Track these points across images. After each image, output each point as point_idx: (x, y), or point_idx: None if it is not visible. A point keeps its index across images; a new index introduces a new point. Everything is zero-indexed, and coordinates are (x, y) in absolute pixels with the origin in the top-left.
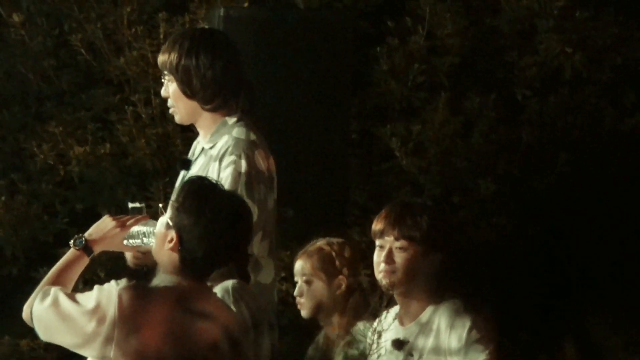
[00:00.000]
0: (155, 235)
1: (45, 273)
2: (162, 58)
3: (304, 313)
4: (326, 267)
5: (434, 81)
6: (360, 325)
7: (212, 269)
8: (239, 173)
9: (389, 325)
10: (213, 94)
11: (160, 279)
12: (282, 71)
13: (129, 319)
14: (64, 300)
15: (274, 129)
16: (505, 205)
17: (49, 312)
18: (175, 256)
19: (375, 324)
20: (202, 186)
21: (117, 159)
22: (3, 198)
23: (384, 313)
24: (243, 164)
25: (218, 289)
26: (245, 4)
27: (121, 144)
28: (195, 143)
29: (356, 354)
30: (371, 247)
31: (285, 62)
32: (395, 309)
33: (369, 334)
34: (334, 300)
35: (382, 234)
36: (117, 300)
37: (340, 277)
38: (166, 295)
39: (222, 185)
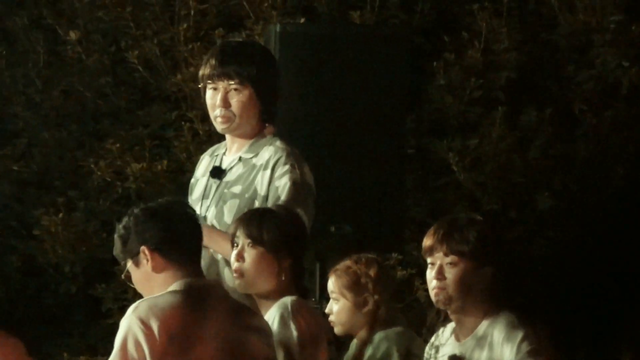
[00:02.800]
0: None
1: (104, 291)
2: (230, 67)
3: (336, 330)
4: (352, 285)
5: (491, 96)
6: (405, 340)
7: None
8: (294, 182)
9: (446, 340)
10: (275, 105)
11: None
12: (337, 87)
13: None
14: None
15: (331, 144)
16: (562, 219)
17: None
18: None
19: (433, 339)
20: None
21: (174, 176)
22: (61, 215)
23: (442, 328)
24: (298, 174)
25: (277, 305)
26: (301, 20)
27: (178, 161)
28: (212, 153)
29: None
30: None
31: (341, 78)
32: (452, 324)
33: (427, 348)
34: (361, 318)
35: (431, 251)
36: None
37: (366, 294)
38: (221, 309)
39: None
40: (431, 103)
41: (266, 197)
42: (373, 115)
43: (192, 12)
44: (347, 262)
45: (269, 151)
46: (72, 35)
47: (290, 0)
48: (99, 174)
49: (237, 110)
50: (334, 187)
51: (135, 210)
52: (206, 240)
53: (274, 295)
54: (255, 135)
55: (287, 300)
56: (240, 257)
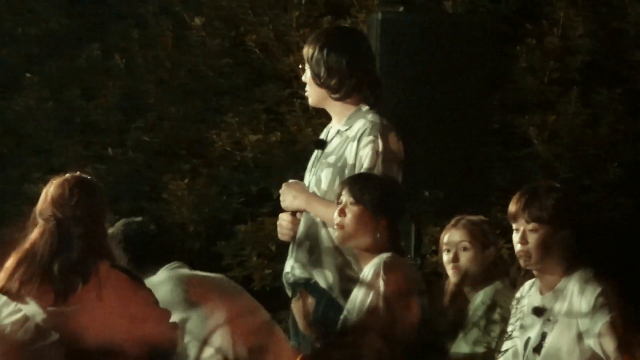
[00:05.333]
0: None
1: (224, 248)
2: (304, 50)
3: (455, 278)
4: (480, 237)
5: (567, 77)
6: (502, 292)
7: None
8: (377, 152)
9: (527, 293)
10: (338, 85)
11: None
12: (432, 68)
13: None
14: None
15: (426, 120)
16: (630, 188)
17: None
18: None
19: (517, 293)
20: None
21: (286, 146)
22: (186, 181)
23: (526, 284)
24: (380, 143)
25: (375, 260)
26: (401, 9)
27: (290, 133)
28: (328, 127)
29: (498, 318)
30: (510, 224)
31: (435, 61)
32: (533, 280)
33: (513, 302)
34: (483, 269)
35: (515, 217)
36: None
37: (492, 248)
38: None
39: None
40: (514, 83)
41: (354, 166)
42: (463, 94)
43: (303, 1)
44: (470, 218)
45: (359, 123)
46: (197, 21)
47: None
48: (220, 144)
49: (308, 87)
50: (428, 157)
51: None
52: (306, 205)
53: (372, 251)
54: (349, 111)
55: (384, 256)
56: (342, 212)
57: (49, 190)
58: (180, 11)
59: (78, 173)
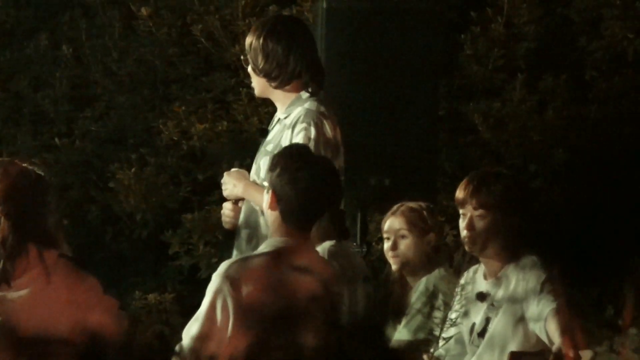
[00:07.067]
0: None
1: (171, 236)
2: (246, 40)
3: (395, 266)
4: (419, 224)
5: (512, 64)
6: (444, 279)
7: (310, 221)
8: (309, 138)
9: (471, 279)
10: (276, 73)
11: (268, 244)
12: (378, 56)
13: (239, 290)
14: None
15: (373, 107)
16: (575, 173)
17: None
18: (277, 215)
19: (462, 280)
20: (290, 149)
21: (233, 135)
22: (134, 170)
23: (470, 269)
24: (312, 130)
25: (318, 250)
26: None
27: (237, 122)
28: (275, 116)
29: (440, 305)
30: (457, 211)
31: (382, 48)
32: (478, 266)
33: (457, 289)
34: (423, 255)
35: (463, 203)
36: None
37: (431, 234)
38: (266, 258)
39: (310, 149)
40: (460, 70)
41: None
42: (410, 81)
43: None
44: (410, 204)
45: (296, 111)
46: (144, 11)
47: None
48: (167, 133)
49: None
50: (375, 144)
51: None
52: (244, 193)
53: (315, 240)
54: (290, 99)
55: (327, 244)
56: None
57: None
58: (127, 1)
59: (9, 159)
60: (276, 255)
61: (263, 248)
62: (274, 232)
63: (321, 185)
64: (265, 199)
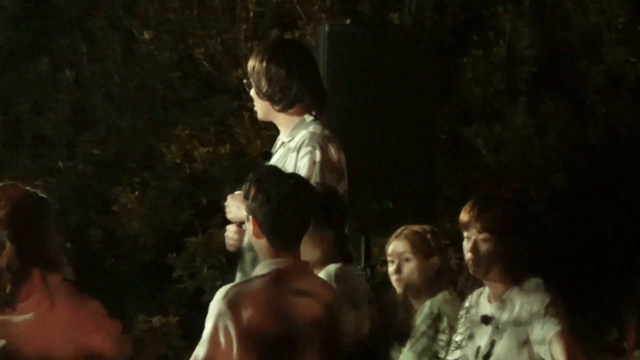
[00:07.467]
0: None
1: (174, 259)
2: (248, 64)
3: (399, 289)
4: (423, 247)
5: (513, 88)
6: (449, 302)
7: (295, 236)
8: (314, 162)
9: (476, 302)
10: (279, 97)
11: (263, 266)
12: (379, 80)
13: (240, 314)
14: None
15: (373, 131)
16: (575, 196)
17: None
18: (264, 241)
19: (466, 303)
20: (257, 173)
21: (236, 158)
22: (136, 193)
23: (474, 292)
24: (317, 154)
25: (323, 272)
26: (347, 21)
27: (239, 145)
28: (277, 139)
29: (445, 328)
30: (459, 234)
31: (382, 72)
32: (482, 289)
33: (461, 311)
34: (427, 279)
35: (467, 226)
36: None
37: (435, 257)
38: (265, 281)
39: (278, 167)
40: (461, 94)
41: None
42: (410, 105)
43: (251, 15)
44: (413, 228)
45: (300, 134)
46: (145, 35)
47: (337, 3)
48: (170, 156)
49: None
50: (376, 168)
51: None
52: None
53: (319, 263)
54: (293, 122)
55: (332, 268)
56: None
57: None
58: (128, 25)
59: (11, 183)
60: (274, 277)
61: (259, 271)
62: (264, 257)
63: (295, 198)
64: (248, 229)
